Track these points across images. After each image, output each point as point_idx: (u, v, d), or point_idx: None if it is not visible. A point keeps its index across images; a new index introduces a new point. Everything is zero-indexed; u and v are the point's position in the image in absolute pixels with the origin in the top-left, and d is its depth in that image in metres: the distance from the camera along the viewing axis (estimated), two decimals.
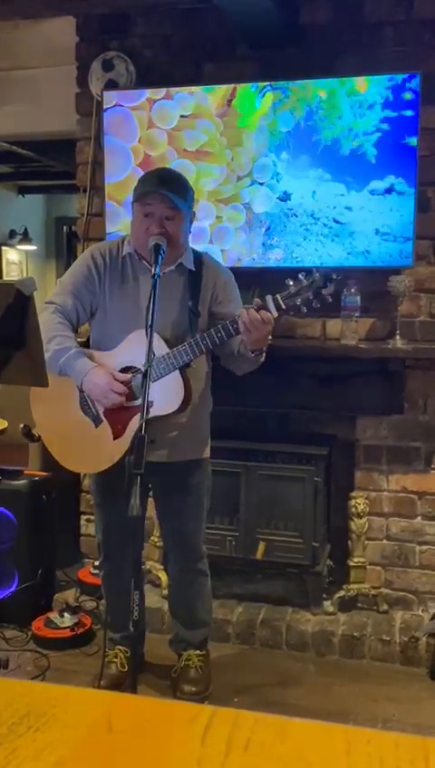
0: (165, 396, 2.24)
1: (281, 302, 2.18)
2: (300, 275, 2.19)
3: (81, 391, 2.40)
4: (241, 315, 2.19)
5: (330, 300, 2.20)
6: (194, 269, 2.43)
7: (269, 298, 2.18)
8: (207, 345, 2.26)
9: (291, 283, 2.19)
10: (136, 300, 2.38)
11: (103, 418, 2.40)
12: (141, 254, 2.40)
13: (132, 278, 2.43)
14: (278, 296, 2.18)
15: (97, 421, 2.42)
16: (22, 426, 3.43)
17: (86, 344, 2.54)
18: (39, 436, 2.77)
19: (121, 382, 2.31)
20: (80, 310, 2.45)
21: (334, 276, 2.18)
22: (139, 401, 2.29)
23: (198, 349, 2.26)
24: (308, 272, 2.20)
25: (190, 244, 2.49)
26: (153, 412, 2.12)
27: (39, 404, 2.51)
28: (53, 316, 2.39)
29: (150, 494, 2.65)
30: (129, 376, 2.34)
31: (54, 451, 2.54)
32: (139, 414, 2.27)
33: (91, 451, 2.45)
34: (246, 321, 2.16)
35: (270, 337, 2.41)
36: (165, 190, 2.29)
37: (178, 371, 2.27)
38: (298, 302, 2.18)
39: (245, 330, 2.18)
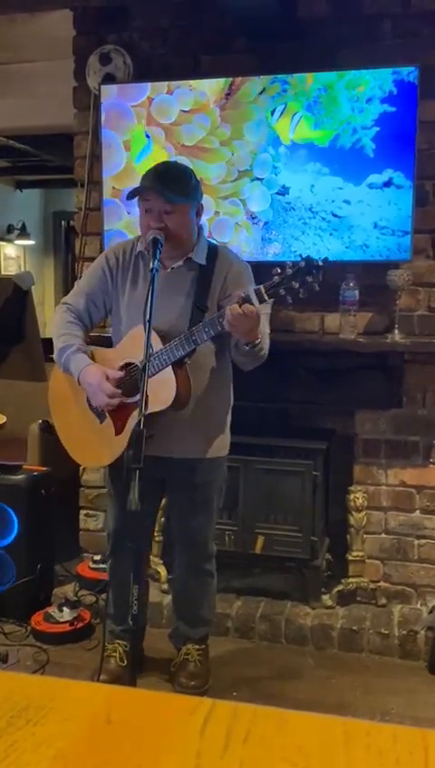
0: (157, 392, 2.20)
1: (264, 294, 2.10)
2: (286, 264, 2.10)
3: None
4: (225, 312, 2.14)
5: (317, 288, 2.09)
6: (205, 263, 2.40)
7: (252, 289, 2.11)
8: (196, 341, 2.22)
9: (279, 271, 2.10)
10: (143, 297, 2.35)
11: (107, 414, 2.43)
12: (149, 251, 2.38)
13: (143, 276, 2.42)
14: (261, 287, 2.11)
15: (102, 417, 2.45)
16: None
17: (103, 339, 2.61)
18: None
19: (116, 380, 2.31)
20: (92, 309, 2.50)
21: (319, 263, 2.07)
22: (138, 397, 2.29)
23: (187, 345, 2.22)
24: (295, 261, 2.11)
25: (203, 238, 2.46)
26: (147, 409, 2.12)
27: (56, 398, 2.59)
28: (64, 315, 2.49)
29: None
30: (121, 374, 2.34)
31: (66, 444, 2.61)
32: (137, 409, 2.28)
33: (95, 446, 2.50)
34: (229, 317, 2.11)
35: (268, 330, 2.40)
36: (160, 186, 2.27)
37: (170, 368, 2.25)
38: (282, 291, 2.08)
39: (229, 326, 2.14)
